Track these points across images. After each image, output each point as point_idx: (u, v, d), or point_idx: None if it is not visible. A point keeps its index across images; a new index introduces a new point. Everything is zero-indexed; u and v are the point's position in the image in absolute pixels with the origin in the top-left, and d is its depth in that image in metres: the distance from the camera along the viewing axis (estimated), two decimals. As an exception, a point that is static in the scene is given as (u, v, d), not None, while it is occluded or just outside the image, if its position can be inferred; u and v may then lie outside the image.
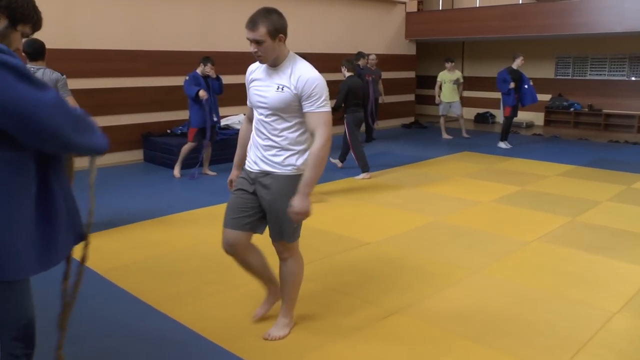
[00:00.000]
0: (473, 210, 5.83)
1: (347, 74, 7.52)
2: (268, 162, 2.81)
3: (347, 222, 5.41)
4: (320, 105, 2.67)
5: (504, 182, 7.16)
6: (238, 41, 9.84)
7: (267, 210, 2.87)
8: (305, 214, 2.71)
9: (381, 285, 3.87)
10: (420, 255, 4.49)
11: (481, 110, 14.53)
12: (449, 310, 3.49)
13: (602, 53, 12.57)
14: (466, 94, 15.09)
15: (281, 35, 2.67)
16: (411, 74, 13.86)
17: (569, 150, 9.91)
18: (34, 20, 1.94)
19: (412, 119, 13.80)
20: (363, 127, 8.90)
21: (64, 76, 4.74)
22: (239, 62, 9.83)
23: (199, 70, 7.15)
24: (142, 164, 8.46)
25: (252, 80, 2.86)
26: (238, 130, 8.91)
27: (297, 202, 2.67)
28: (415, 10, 13.89)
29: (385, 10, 12.77)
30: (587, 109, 12.83)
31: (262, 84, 2.79)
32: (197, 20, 9.22)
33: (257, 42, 2.64)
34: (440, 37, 13.21)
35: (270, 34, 2.63)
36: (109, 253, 4.48)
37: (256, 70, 2.87)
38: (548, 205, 6.01)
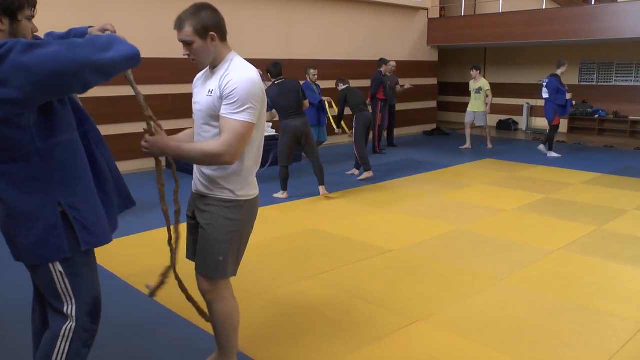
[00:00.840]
0: (496, 218, 5.77)
1: (343, 87, 7.92)
2: (203, 184, 2.51)
3: (369, 229, 5.39)
4: (234, 111, 2.25)
5: (527, 189, 7.08)
6: (260, 49, 9.92)
7: (199, 236, 2.55)
8: (147, 147, 2.33)
9: (403, 293, 3.85)
10: (443, 263, 4.45)
11: (503, 117, 14.40)
12: (472, 318, 3.45)
13: (628, 59, 12.39)
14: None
15: (212, 33, 2.33)
16: (433, 81, 13.81)
17: (594, 157, 9.77)
18: (25, 0, 1.91)
19: (434, 126, 13.74)
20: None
21: None
22: (261, 69, 9.91)
23: None
24: (163, 170, 8.53)
25: (194, 88, 2.56)
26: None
27: (156, 139, 2.30)
28: (438, 16, 13.84)
29: (407, 16, 12.75)
30: (612, 116, 12.65)
31: (199, 89, 2.50)
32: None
33: (186, 44, 2.34)
34: (463, 44, 13.15)
35: (199, 33, 2.30)
36: (131, 258, 4.52)
37: (199, 77, 2.58)
38: (572, 213, 5.93)
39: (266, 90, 6.82)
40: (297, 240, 5.04)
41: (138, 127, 8.47)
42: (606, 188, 7.19)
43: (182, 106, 8.95)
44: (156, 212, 5.86)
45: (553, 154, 9.79)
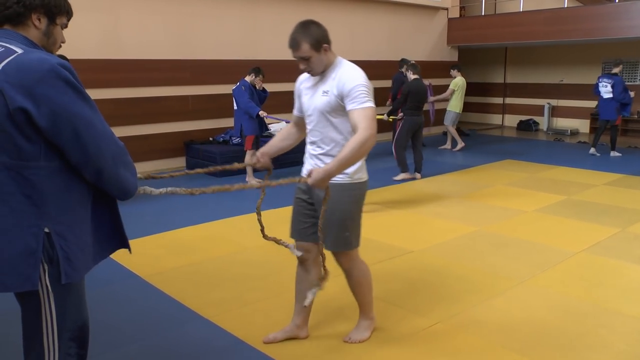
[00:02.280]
0: (517, 220, 5.71)
1: (413, 77, 7.65)
2: None
3: (390, 230, 5.36)
4: (361, 102, 2.62)
5: (549, 191, 6.99)
6: (280, 50, 9.90)
7: (324, 219, 2.78)
8: (314, 185, 2.56)
9: (425, 295, 3.82)
10: (465, 264, 4.41)
11: (524, 118, 14.25)
12: (494, 321, 3.42)
13: (653, 57, 12.17)
14: (508, 100, 14.85)
15: (325, 45, 2.69)
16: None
17: (617, 158, 9.62)
18: (66, 8, 1.99)
19: (453, 126, 13.63)
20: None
21: None
22: (282, 70, 9.91)
23: (248, 79, 7.18)
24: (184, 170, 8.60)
25: (302, 90, 2.91)
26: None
27: (315, 174, 2.51)
28: (458, 16, 13.75)
29: (427, 16, 12.68)
30: (636, 116, 12.43)
31: (310, 92, 2.84)
32: (239, 30, 9.34)
33: (303, 59, 2.68)
34: (483, 43, 13.04)
35: (314, 48, 2.66)
36: (152, 258, 4.55)
37: (305, 80, 2.92)
38: (595, 215, 5.84)
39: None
40: (317, 241, 5.03)
41: (158, 128, 8.61)
42: (630, 189, 7.07)
43: (202, 107, 9.02)
44: (176, 213, 5.92)
45: (616, 153, 9.82)
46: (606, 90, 9.56)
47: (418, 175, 7.80)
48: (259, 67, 7.29)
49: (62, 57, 5.58)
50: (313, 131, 2.85)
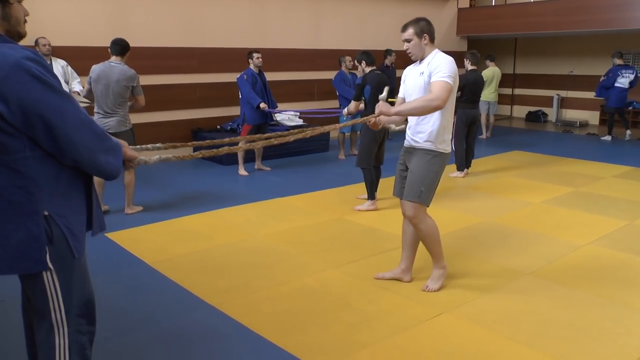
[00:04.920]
0: (524, 211, 5.69)
1: (470, 68, 7.61)
2: (413, 140, 3.56)
3: (396, 220, 5.34)
4: (440, 76, 3.29)
5: (556, 182, 6.96)
6: (289, 38, 9.90)
7: (408, 174, 3.59)
8: (379, 113, 3.40)
9: (429, 285, 3.82)
10: (470, 255, 4.41)
11: (533, 109, 14.16)
12: (499, 311, 3.42)
13: (667, 49, 12.01)
14: (517, 91, 14.77)
15: (425, 35, 3.42)
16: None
17: (627, 150, 9.55)
18: None
19: (461, 117, 13.56)
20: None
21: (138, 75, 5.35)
22: (290, 59, 9.90)
23: (251, 66, 7.18)
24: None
25: (406, 75, 3.65)
26: (288, 127, 8.91)
27: (383, 106, 3.36)
28: (468, 6, 13.63)
29: (436, 6, 12.59)
30: (649, 108, 12.32)
31: (411, 75, 3.58)
32: (247, 18, 9.30)
33: (406, 41, 3.44)
34: (493, 34, 12.92)
35: (417, 34, 3.42)
36: (159, 245, 4.58)
37: (409, 68, 3.66)
38: (603, 207, 5.81)
39: (365, 77, 5.96)
40: (324, 230, 5.04)
41: (165, 116, 8.61)
42: (639, 182, 7.02)
43: (209, 95, 9.01)
44: (183, 200, 5.94)
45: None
46: (627, 80, 10.16)
47: (465, 170, 7.42)
48: (249, 51, 7.26)
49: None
50: None
